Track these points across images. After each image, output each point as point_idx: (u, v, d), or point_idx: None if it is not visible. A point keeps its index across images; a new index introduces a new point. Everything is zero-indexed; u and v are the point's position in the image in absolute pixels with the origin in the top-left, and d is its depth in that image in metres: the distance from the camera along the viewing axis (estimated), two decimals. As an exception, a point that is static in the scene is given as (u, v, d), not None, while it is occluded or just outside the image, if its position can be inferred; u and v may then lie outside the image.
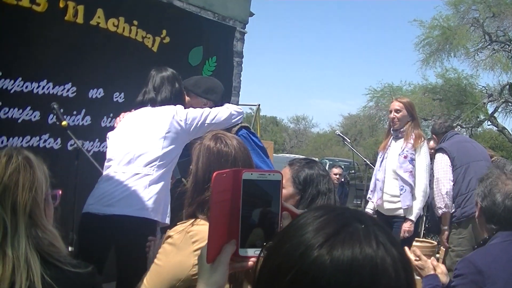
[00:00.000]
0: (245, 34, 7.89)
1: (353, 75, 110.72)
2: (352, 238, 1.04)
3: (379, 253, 1.02)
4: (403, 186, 5.73)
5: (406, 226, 5.71)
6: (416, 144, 5.78)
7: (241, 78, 7.92)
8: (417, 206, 5.71)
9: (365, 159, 8.58)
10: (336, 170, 10.84)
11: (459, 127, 29.18)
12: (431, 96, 29.71)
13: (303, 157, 4.50)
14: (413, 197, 5.71)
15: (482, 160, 6.22)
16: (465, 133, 28.88)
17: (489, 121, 30.47)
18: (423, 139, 5.84)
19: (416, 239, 6.21)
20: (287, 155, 30.24)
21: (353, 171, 17.63)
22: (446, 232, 6.15)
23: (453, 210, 6.10)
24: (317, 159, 29.28)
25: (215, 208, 1.38)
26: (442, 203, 6.06)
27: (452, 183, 6.11)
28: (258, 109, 16.24)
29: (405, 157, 5.76)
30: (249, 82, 54.98)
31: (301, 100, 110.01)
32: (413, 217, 5.70)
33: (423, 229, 7.24)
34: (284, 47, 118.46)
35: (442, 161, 6.23)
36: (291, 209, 1.42)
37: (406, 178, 5.74)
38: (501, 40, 29.09)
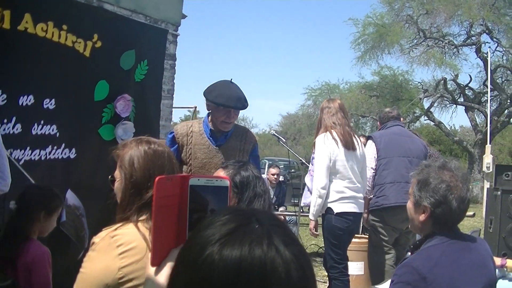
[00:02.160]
0: (178, 37, 7.91)
1: (292, 74, 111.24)
2: (243, 238, 1.05)
3: (269, 254, 1.03)
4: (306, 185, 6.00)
5: (310, 225, 5.87)
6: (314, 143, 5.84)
7: (174, 81, 7.95)
8: (312, 203, 5.71)
9: (300, 158, 8.71)
10: (273, 170, 10.93)
11: (397, 122, 29.86)
12: (368, 93, 30.21)
13: (236, 160, 4.55)
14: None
15: (408, 157, 6.31)
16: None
17: (425, 116, 31.23)
18: (321, 135, 5.75)
19: (355, 235, 6.36)
20: (239, 160, 30.14)
21: (293, 170, 17.79)
22: (365, 215, 6.33)
23: (371, 196, 6.29)
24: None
25: (158, 213, 1.39)
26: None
27: (373, 171, 6.26)
28: (195, 112, 16.30)
29: (312, 158, 5.91)
30: (186, 84, 54.72)
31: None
32: (310, 215, 5.79)
33: (361, 225, 7.37)
34: (221, 48, 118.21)
35: (369, 148, 6.36)
36: None
37: (305, 179, 6.00)
38: (435, 36, 29.83)
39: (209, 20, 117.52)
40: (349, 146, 5.62)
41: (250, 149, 4.88)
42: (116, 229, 2.30)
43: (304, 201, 6.70)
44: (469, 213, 19.65)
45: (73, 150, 4.85)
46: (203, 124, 4.77)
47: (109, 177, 2.57)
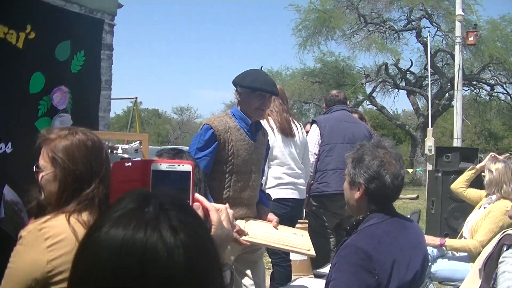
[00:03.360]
0: (114, 26, 7.82)
1: (235, 62, 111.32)
2: (130, 221, 1.04)
3: (151, 238, 1.02)
4: None
5: None
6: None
7: (112, 72, 7.85)
8: None
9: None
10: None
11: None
12: (310, 80, 30.42)
13: (171, 147, 4.49)
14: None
15: (351, 144, 6.21)
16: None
17: (368, 101, 31.69)
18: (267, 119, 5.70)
19: (299, 220, 6.42)
20: (178, 147, 30.08)
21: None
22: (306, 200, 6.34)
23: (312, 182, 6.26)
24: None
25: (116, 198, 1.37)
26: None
27: (316, 157, 6.22)
28: (136, 102, 16.19)
29: None
30: (125, 75, 54.08)
31: (184, 91, 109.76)
32: None
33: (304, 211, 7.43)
34: (160, 37, 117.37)
35: (313, 133, 6.32)
36: (202, 200, 1.45)
37: None
38: (376, 21, 30.26)
39: (146, 8, 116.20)
40: (286, 132, 5.60)
41: (266, 142, 4.72)
42: (45, 221, 2.27)
43: None
44: (413, 195, 20.10)
45: (9, 144, 4.75)
46: (235, 118, 4.34)
47: (34, 167, 2.50)
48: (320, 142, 6.26)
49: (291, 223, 5.76)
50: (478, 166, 6.08)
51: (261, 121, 5.63)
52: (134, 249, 1.02)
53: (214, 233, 1.43)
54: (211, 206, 1.49)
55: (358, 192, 2.91)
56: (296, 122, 5.83)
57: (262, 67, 4.54)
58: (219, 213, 1.48)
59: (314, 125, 6.43)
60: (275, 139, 5.57)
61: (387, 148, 2.90)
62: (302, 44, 30.45)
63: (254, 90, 4.24)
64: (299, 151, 5.76)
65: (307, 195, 6.23)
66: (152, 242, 1.03)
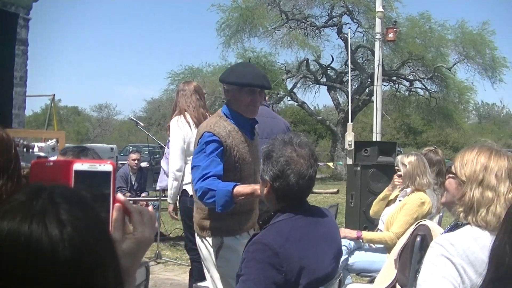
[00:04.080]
0: (30, 21, 7.57)
1: (155, 59, 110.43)
2: (17, 213, 1.02)
3: (35, 231, 1.00)
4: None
5: (169, 209, 5.86)
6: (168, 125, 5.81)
7: (27, 68, 7.59)
8: (169, 187, 5.71)
9: (159, 142, 8.68)
10: (134, 156, 10.84)
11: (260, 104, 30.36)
12: (232, 77, 30.44)
13: (74, 145, 4.32)
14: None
15: (270, 139, 6.34)
16: (268, 111, 30.04)
17: (289, 97, 32.02)
18: (174, 118, 5.74)
19: None
20: (95, 144, 29.74)
21: (157, 156, 17.71)
22: None
23: None
24: (115, 146, 28.99)
25: None
26: None
27: None
28: (54, 99, 15.86)
29: (168, 141, 5.91)
30: (44, 72, 52.91)
31: (105, 88, 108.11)
32: (168, 198, 5.79)
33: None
34: (78, 33, 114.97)
35: None
36: (123, 201, 1.40)
37: (161, 162, 6.06)
38: (297, 18, 30.62)
39: (65, 2, 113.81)
40: None
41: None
42: None
43: (159, 184, 6.63)
44: (333, 190, 20.41)
45: None
46: (230, 119, 3.98)
47: None
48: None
49: None
50: (388, 187, 6.10)
51: (179, 116, 5.63)
52: (18, 241, 0.99)
53: (134, 235, 1.40)
54: (133, 207, 1.46)
55: (266, 188, 2.88)
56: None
57: (250, 59, 4.33)
58: (141, 215, 1.45)
59: None
60: (192, 134, 5.51)
61: (295, 146, 2.83)
62: (226, 42, 30.58)
63: (242, 86, 3.88)
64: None
65: None
66: (37, 235, 0.99)
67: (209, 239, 3.92)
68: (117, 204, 1.39)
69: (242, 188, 3.51)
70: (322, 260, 2.82)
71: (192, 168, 3.88)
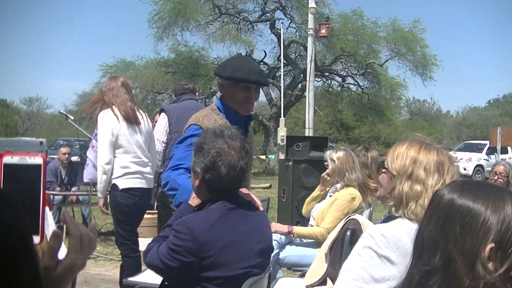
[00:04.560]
0: None
1: (87, 52, 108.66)
2: None
3: None
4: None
5: (99, 203, 5.77)
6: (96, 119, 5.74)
7: None
8: (98, 181, 5.62)
9: (89, 136, 8.54)
10: (64, 150, 10.67)
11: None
12: (164, 70, 30.27)
13: None
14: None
15: None
16: (201, 105, 30.00)
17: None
18: (102, 111, 5.62)
19: (147, 211, 6.36)
20: (23, 138, 29.12)
21: (88, 150, 17.41)
22: (155, 190, 6.36)
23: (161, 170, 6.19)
24: (44, 139, 28.44)
25: None
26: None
27: (164, 145, 6.26)
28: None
29: (95, 134, 5.84)
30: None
31: (35, 81, 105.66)
32: (98, 192, 5.70)
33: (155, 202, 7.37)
34: (11, 24, 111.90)
35: (161, 122, 6.36)
36: (68, 221, 1.38)
37: (88, 154, 6.01)
38: (231, 12, 30.61)
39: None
40: (131, 120, 5.54)
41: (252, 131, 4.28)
42: None
43: (87, 177, 6.53)
44: (265, 184, 20.45)
45: None
46: (223, 113, 3.86)
47: None
48: (168, 130, 6.30)
49: (141, 213, 5.83)
50: (320, 187, 6.13)
51: (106, 109, 5.56)
52: None
53: (65, 260, 1.37)
54: (75, 232, 1.41)
55: (197, 180, 2.87)
56: (141, 111, 5.79)
57: (247, 52, 4.04)
58: (79, 241, 1.41)
59: (163, 114, 6.45)
60: (120, 127, 5.50)
61: (226, 138, 2.84)
62: (157, 34, 30.29)
63: (237, 81, 3.73)
64: (145, 140, 5.72)
65: (156, 185, 6.19)
66: None
67: None
68: (56, 231, 1.37)
69: None
70: (248, 254, 2.83)
71: (170, 157, 3.84)
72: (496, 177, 6.56)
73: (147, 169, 5.71)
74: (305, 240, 5.61)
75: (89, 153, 6.24)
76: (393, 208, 2.55)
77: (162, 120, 6.38)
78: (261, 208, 3.14)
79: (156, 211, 6.70)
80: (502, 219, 1.47)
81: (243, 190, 3.17)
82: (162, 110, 6.61)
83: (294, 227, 5.50)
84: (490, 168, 6.72)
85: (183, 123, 6.17)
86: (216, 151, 2.79)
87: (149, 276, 4.84)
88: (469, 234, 1.47)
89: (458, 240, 1.48)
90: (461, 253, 1.47)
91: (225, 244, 2.73)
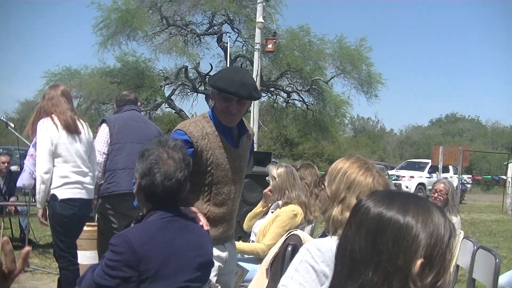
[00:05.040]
0: None
1: (29, 58, 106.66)
2: None
3: None
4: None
5: (38, 214, 5.67)
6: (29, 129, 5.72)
7: None
8: (37, 191, 5.55)
9: (29, 144, 8.40)
10: (3, 158, 10.50)
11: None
12: (110, 80, 30.00)
13: None
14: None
15: (141, 143, 6.15)
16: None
17: (166, 104, 31.91)
18: (41, 120, 5.57)
19: (87, 223, 6.28)
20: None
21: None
22: (95, 201, 6.22)
23: (102, 182, 6.20)
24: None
25: None
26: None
27: (105, 156, 6.18)
28: None
29: (34, 143, 5.77)
30: None
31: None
32: (37, 203, 5.62)
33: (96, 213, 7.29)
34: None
35: (102, 132, 6.26)
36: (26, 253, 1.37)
37: (25, 161, 6.05)
38: (178, 24, 30.66)
39: None
40: (72, 130, 5.51)
41: (250, 145, 4.18)
42: None
43: (20, 182, 6.40)
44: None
45: None
46: (212, 122, 3.79)
47: None
48: (109, 141, 6.23)
49: (80, 224, 5.78)
50: (261, 203, 6.18)
51: (46, 118, 5.53)
52: None
53: None
54: (11, 266, 1.43)
55: (136, 186, 2.91)
56: (82, 121, 5.75)
57: (242, 64, 3.83)
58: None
59: (104, 124, 6.36)
60: (59, 136, 5.46)
61: (166, 147, 2.86)
62: (103, 43, 30.02)
63: (219, 90, 3.67)
64: (85, 149, 5.68)
65: (96, 196, 6.14)
66: None
67: None
68: (5, 239, 1.41)
69: None
70: (186, 267, 2.83)
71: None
72: (436, 195, 6.68)
73: (87, 179, 5.66)
74: (246, 256, 5.63)
75: (27, 161, 6.16)
76: (325, 227, 2.61)
77: (103, 130, 6.29)
78: (206, 228, 3.15)
79: (96, 223, 6.61)
80: (431, 232, 1.49)
81: (193, 209, 3.26)
82: (103, 121, 6.51)
83: (235, 242, 5.52)
84: (431, 186, 6.89)
85: (125, 134, 6.25)
86: (155, 158, 2.81)
87: None
88: (402, 250, 1.48)
89: (391, 256, 1.48)
90: (395, 270, 1.47)
91: (165, 257, 2.72)
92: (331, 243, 2.44)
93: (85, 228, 6.02)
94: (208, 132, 3.71)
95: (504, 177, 25.34)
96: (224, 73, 3.81)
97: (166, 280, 2.71)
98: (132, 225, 3.00)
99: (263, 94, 31.32)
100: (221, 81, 3.65)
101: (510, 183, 23.38)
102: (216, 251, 3.62)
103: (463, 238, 6.06)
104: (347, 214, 2.38)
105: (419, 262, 1.46)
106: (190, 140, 3.62)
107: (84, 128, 5.70)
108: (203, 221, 3.19)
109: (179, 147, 2.91)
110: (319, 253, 2.42)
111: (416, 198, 1.61)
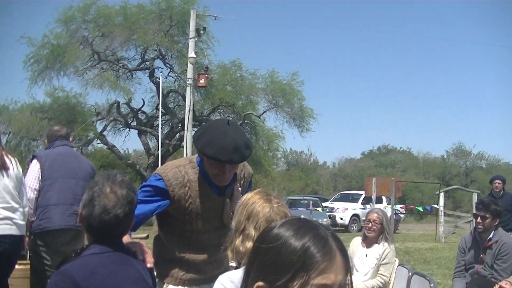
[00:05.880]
0: None
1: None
2: None
3: None
4: None
5: None
6: None
7: None
8: None
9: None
10: None
11: (69, 146, 29.78)
12: (40, 116, 29.67)
13: None
14: None
15: (74, 179, 6.28)
16: (76, 153, 29.60)
17: (98, 140, 31.65)
18: None
19: (19, 261, 6.25)
20: None
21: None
22: (27, 239, 6.10)
23: (33, 219, 6.08)
24: None
25: None
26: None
27: (36, 193, 6.08)
28: None
29: None
30: None
31: None
32: None
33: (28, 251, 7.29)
34: None
35: (33, 168, 6.16)
36: None
37: None
38: (110, 59, 30.53)
39: None
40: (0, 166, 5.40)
41: (247, 186, 3.97)
42: None
43: None
44: (143, 235, 20.23)
45: None
46: (199, 168, 3.60)
47: None
48: (40, 177, 6.14)
49: (10, 262, 5.60)
50: None
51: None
52: None
53: None
54: None
55: (79, 216, 2.88)
56: (10, 156, 5.60)
57: (228, 121, 3.58)
58: None
59: (34, 160, 6.27)
60: None
61: (115, 183, 2.83)
62: (33, 78, 29.67)
63: (209, 158, 3.44)
64: (14, 185, 5.51)
65: (28, 234, 6.06)
66: None
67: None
68: None
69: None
70: None
71: None
72: (370, 225, 6.64)
73: (17, 215, 5.50)
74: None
75: None
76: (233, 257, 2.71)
77: (34, 166, 6.19)
78: (149, 265, 3.06)
79: (27, 262, 6.54)
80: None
81: (138, 243, 3.17)
82: (34, 157, 6.39)
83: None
84: (365, 217, 7.00)
85: (56, 169, 6.19)
86: (97, 191, 2.78)
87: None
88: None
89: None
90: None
91: None
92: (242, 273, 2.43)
93: (17, 266, 5.83)
94: (190, 179, 3.53)
95: (436, 206, 26.03)
96: (212, 137, 3.45)
97: None
98: (72, 257, 2.88)
99: (195, 129, 31.48)
100: (210, 147, 3.39)
101: (442, 212, 24.05)
102: None
103: (398, 265, 6.24)
104: (248, 244, 2.60)
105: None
106: (166, 188, 3.48)
107: (12, 163, 5.55)
108: (147, 258, 3.07)
109: (126, 184, 2.85)
110: (231, 284, 2.52)
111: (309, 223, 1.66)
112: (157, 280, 3.60)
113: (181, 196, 3.51)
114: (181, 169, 3.56)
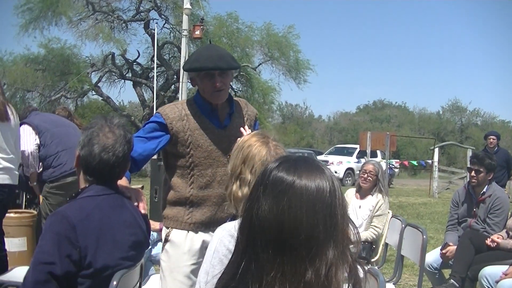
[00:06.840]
0: None
1: None
2: None
3: None
4: None
5: None
6: None
7: None
8: None
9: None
10: None
11: (64, 97, 29.74)
12: (34, 67, 29.54)
13: None
14: None
15: (65, 127, 6.58)
16: (70, 104, 29.61)
17: (93, 91, 31.60)
18: None
19: (15, 210, 6.35)
20: None
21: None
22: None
23: (46, 170, 6.30)
24: None
25: None
26: (27, 163, 6.27)
27: (36, 146, 6.27)
28: None
29: None
30: None
31: None
32: None
33: (24, 200, 7.39)
34: None
35: (25, 130, 6.24)
36: None
37: None
38: (104, 10, 30.24)
39: None
40: (2, 117, 5.43)
41: (252, 125, 3.97)
42: None
43: None
44: (138, 186, 20.45)
45: None
46: (196, 104, 3.73)
47: None
48: (37, 133, 6.35)
49: (5, 209, 5.75)
50: None
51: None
52: None
53: None
54: None
55: (76, 159, 2.91)
56: (10, 106, 5.65)
57: (210, 41, 3.68)
58: None
59: (22, 126, 6.28)
60: None
61: (112, 124, 2.89)
62: (24, 26, 29.47)
63: (198, 71, 3.61)
64: (13, 135, 5.63)
65: (35, 183, 6.32)
66: None
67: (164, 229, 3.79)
68: None
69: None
70: (121, 245, 2.84)
71: None
72: (365, 175, 6.74)
73: (14, 166, 5.60)
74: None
75: None
76: (231, 206, 2.66)
77: (24, 128, 6.32)
78: (143, 211, 3.12)
79: (24, 210, 6.61)
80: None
81: (133, 188, 3.22)
82: (21, 124, 6.29)
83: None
84: (360, 168, 7.02)
85: (48, 123, 6.41)
86: (96, 130, 2.84)
87: (17, 274, 4.81)
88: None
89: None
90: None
91: (103, 234, 2.74)
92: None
93: (12, 215, 6.04)
94: (188, 113, 3.67)
95: (430, 161, 26.20)
96: (197, 55, 3.71)
97: (105, 256, 2.73)
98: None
99: (189, 82, 31.31)
100: (197, 62, 3.60)
101: (437, 167, 24.19)
102: (201, 236, 3.63)
103: (392, 217, 6.30)
104: (245, 189, 2.56)
105: None
106: (164, 122, 3.59)
107: (13, 114, 5.63)
108: (141, 204, 3.15)
109: (122, 127, 2.91)
110: (231, 239, 2.41)
111: (309, 160, 1.65)
112: (163, 227, 3.77)
113: (180, 129, 3.60)
114: (178, 106, 3.72)
